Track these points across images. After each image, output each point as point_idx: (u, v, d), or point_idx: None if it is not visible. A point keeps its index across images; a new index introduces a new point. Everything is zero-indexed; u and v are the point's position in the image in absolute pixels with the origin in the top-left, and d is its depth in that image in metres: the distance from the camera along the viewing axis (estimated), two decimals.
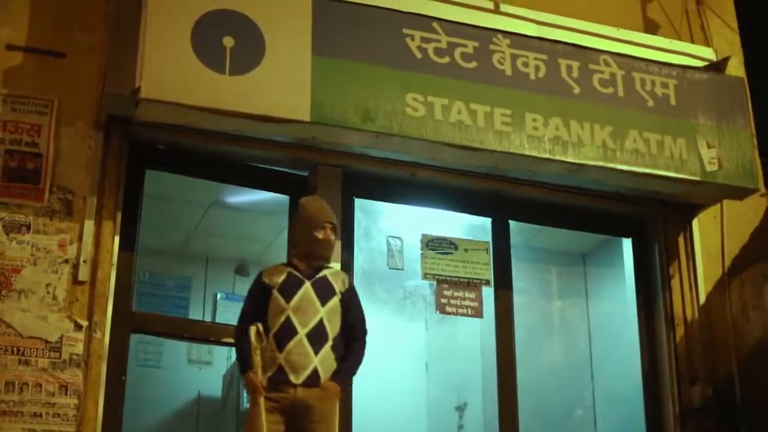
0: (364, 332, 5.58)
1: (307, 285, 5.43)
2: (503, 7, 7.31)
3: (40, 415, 5.85)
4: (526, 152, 6.75)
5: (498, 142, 6.68)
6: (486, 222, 7.40)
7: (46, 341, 5.96)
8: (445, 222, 7.47)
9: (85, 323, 6.04)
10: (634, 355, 7.52)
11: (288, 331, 5.29)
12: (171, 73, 6.07)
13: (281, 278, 5.46)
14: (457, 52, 6.78)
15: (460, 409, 8.51)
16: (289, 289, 5.42)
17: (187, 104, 6.07)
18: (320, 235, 5.52)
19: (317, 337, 5.31)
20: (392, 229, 7.37)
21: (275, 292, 5.41)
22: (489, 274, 7.18)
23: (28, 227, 6.11)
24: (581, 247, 8.67)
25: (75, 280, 6.10)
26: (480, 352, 7.92)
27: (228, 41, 6.25)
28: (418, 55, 6.69)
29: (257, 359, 5.25)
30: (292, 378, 5.23)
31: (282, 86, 6.28)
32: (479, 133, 6.64)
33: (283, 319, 5.32)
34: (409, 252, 7.19)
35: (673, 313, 7.42)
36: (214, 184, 7.37)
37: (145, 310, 6.42)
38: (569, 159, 6.84)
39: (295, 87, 6.31)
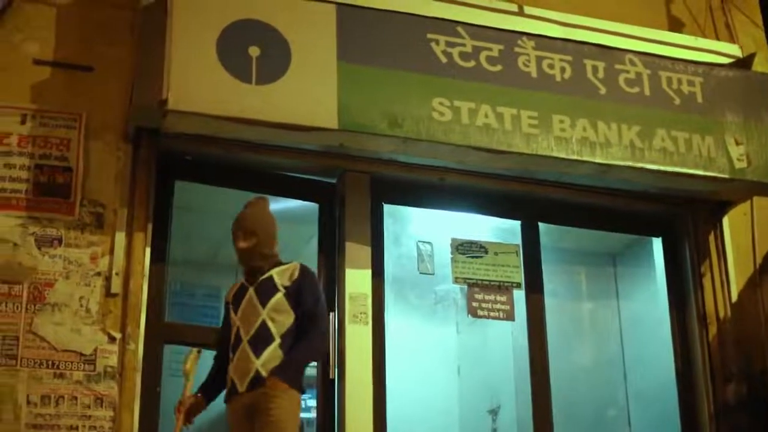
0: (317, 316, 5.34)
1: (250, 291, 5.39)
2: (527, 10, 7.29)
3: (77, 428, 5.88)
4: (554, 154, 6.73)
5: (525, 144, 6.67)
6: (515, 225, 7.39)
7: (81, 354, 5.99)
8: (474, 225, 7.47)
9: (118, 335, 6.07)
10: (666, 355, 7.48)
11: (237, 342, 5.30)
12: (198, 84, 6.10)
13: (233, 292, 5.52)
14: (483, 55, 6.78)
15: (494, 412, 8.49)
16: (237, 301, 5.43)
17: (214, 114, 6.09)
18: (235, 245, 5.51)
19: (259, 340, 5.23)
20: (422, 234, 7.38)
21: (230, 307, 5.48)
22: (520, 277, 7.17)
23: (60, 241, 6.14)
24: (611, 248, 8.64)
25: (108, 293, 6.13)
26: (512, 355, 7.89)
27: (254, 51, 6.27)
28: (444, 60, 6.69)
29: (186, 383, 5.43)
30: (239, 387, 5.22)
31: (309, 94, 6.29)
32: (506, 136, 6.63)
33: (234, 330, 5.36)
34: (439, 256, 7.19)
35: (705, 311, 7.38)
36: (242, 194, 7.34)
37: (176, 320, 6.42)
38: (597, 160, 6.82)
39: (321, 94, 6.31)
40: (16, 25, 6.50)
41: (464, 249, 7.12)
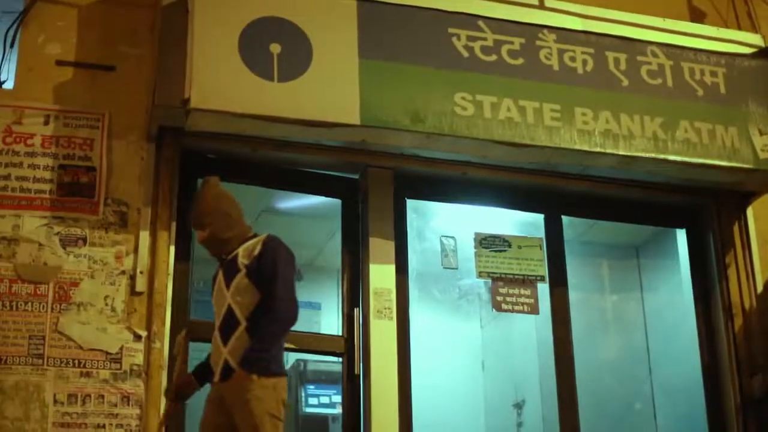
0: (275, 296, 4.93)
1: (220, 273, 5.17)
2: (548, 2, 7.24)
3: (104, 426, 5.90)
4: (577, 147, 6.72)
5: (548, 137, 6.65)
6: (538, 218, 7.37)
7: (107, 353, 6.01)
8: (498, 219, 7.46)
9: (144, 333, 6.09)
10: (692, 347, 7.44)
11: (213, 329, 5.13)
12: (219, 82, 6.11)
13: (213, 275, 5.29)
14: (504, 49, 6.78)
15: (518, 406, 8.49)
16: (212, 285, 5.26)
17: (236, 112, 6.11)
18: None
19: (226, 326, 5.01)
20: (445, 229, 7.36)
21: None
22: (543, 270, 7.15)
23: (84, 240, 6.17)
24: (634, 240, 8.63)
25: (132, 291, 6.14)
26: (536, 349, 7.89)
27: (275, 48, 6.28)
28: (465, 54, 6.68)
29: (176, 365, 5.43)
30: (215, 376, 5.04)
31: (331, 90, 6.30)
32: (529, 129, 6.62)
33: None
34: (463, 251, 7.18)
35: (730, 302, 7.33)
36: (264, 191, 7.39)
37: (201, 318, 6.42)
38: (621, 152, 6.80)
39: (343, 90, 6.33)
40: (39, 26, 6.54)
41: (488, 243, 7.10)
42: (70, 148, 6.32)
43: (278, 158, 6.77)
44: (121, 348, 6.04)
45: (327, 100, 6.27)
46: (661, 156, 6.88)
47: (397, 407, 6.45)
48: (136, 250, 6.23)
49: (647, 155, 6.85)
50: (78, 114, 6.39)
